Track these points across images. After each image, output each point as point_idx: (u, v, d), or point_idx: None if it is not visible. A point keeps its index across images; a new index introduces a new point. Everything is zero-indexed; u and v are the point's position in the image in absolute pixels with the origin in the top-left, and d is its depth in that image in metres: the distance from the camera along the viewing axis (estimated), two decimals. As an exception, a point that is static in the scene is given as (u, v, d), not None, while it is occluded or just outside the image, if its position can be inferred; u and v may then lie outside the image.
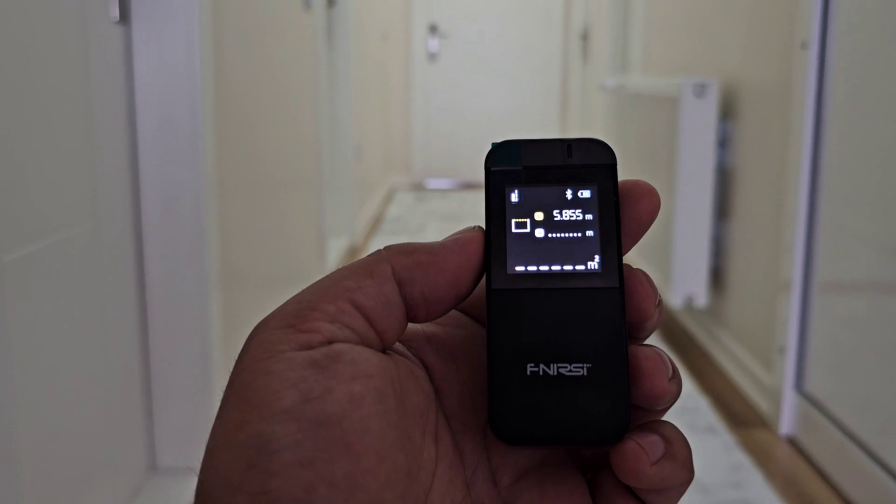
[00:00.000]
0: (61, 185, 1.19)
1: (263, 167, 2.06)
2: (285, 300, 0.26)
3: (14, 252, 1.05)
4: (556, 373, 0.26)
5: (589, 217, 0.27)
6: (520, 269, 0.27)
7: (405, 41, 5.79)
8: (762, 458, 1.82)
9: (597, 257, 0.27)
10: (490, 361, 0.26)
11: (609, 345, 0.26)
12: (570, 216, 0.27)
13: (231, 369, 0.25)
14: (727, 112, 2.41)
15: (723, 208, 2.45)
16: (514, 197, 0.27)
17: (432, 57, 5.83)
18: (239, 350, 0.26)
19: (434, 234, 4.15)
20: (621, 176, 0.27)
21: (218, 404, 0.25)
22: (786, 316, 1.93)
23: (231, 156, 1.73)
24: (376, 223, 4.48)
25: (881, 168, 1.61)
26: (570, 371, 0.26)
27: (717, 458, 1.78)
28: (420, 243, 0.27)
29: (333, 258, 3.21)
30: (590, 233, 0.27)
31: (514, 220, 0.27)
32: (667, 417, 0.28)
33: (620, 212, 0.27)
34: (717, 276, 2.49)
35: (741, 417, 2.04)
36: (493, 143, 0.28)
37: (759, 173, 2.18)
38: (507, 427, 0.25)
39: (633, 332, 0.28)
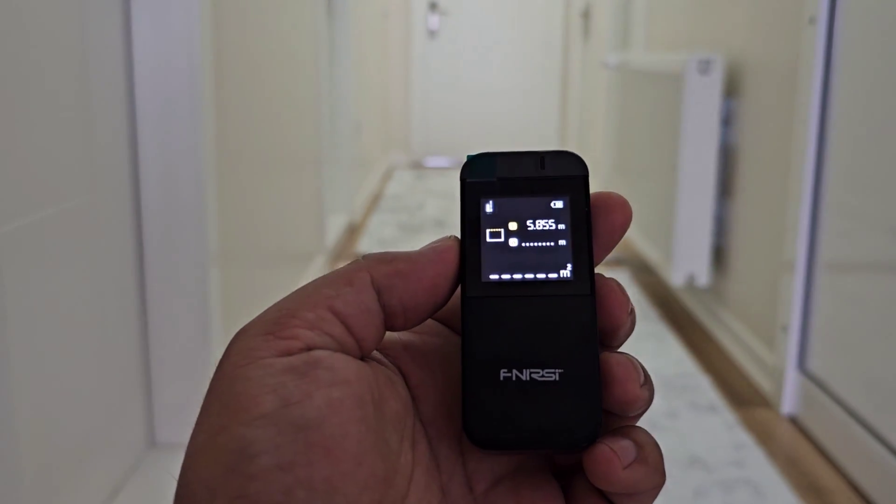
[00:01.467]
0: (58, 156, 1.17)
1: (263, 143, 2.04)
2: (269, 305, 0.26)
3: (10, 224, 1.04)
4: (528, 378, 0.26)
5: (561, 227, 0.28)
6: (494, 277, 0.27)
7: (405, 18, 5.74)
8: (764, 436, 1.82)
9: (569, 266, 0.28)
10: (464, 368, 0.26)
11: (581, 351, 0.27)
12: (543, 226, 0.28)
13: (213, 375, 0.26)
14: (732, 89, 2.39)
15: (726, 187, 2.44)
16: (489, 207, 0.28)
17: (432, 34, 5.79)
18: (227, 339, 0.27)
19: (433, 211, 4.13)
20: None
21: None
22: (789, 295, 1.92)
23: (230, 131, 1.71)
24: (375, 201, 4.47)
25: (887, 147, 1.59)
26: (543, 376, 0.26)
27: (718, 437, 1.78)
28: (398, 252, 0.27)
29: (333, 235, 3.20)
30: (562, 242, 0.28)
31: (488, 230, 0.28)
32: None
33: (593, 223, 0.28)
34: (720, 255, 2.48)
35: (743, 396, 2.03)
36: (468, 156, 0.29)
37: (763, 152, 2.17)
38: (480, 432, 0.26)
39: (605, 339, 0.28)
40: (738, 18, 2.38)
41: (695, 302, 2.65)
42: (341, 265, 0.27)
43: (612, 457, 0.26)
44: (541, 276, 0.27)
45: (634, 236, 3.02)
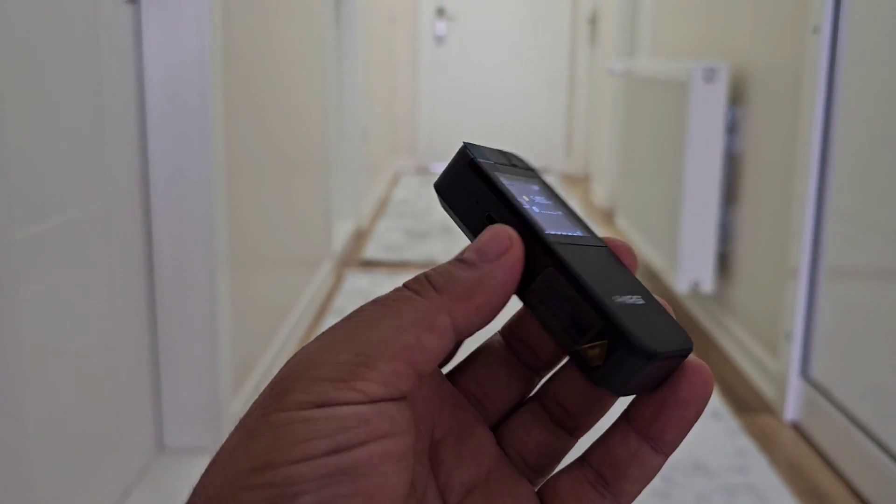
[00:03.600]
0: (71, 164, 1.19)
1: (272, 148, 2.06)
2: (335, 331, 0.25)
3: (26, 230, 1.05)
4: (631, 302, 0.27)
5: (551, 202, 0.31)
6: (551, 232, 0.28)
7: (412, 24, 5.77)
8: (767, 443, 1.83)
9: (578, 230, 0.30)
10: (597, 296, 0.26)
11: (636, 282, 0.29)
12: (542, 200, 0.30)
13: (266, 391, 0.25)
14: (737, 97, 2.40)
15: (730, 194, 2.45)
16: (504, 181, 0.29)
17: (439, 40, 5.81)
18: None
19: (440, 217, 4.15)
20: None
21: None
22: (793, 302, 1.93)
23: (240, 137, 1.73)
24: (382, 206, 4.48)
25: (891, 155, 1.60)
26: (635, 301, 0.28)
27: (721, 443, 1.79)
28: (469, 277, 0.26)
29: (340, 241, 3.21)
30: (560, 213, 0.31)
31: (522, 197, 0.29)
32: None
33: None
34: (724, 262, 2.49)
35: (746, 403, 2.04)
36: (464, 143, 0.30)
37: (767, 159, 2.18)
38: (652, 343, 0.26)
39: None
40: (743, 27, 2.39)
41: (699, 308, 2.66)
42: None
43: (705, 365, 0.26)
44: (572, 233, 0.29)
45: (639, 243, 3.03)
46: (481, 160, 0.29)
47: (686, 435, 0.27)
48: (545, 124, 5.93)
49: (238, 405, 1.70)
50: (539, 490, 0.29)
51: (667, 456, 0.28)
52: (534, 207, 0.29)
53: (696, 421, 0.27)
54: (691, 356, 0.27)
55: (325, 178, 2.89)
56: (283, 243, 2.25)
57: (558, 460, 0.30)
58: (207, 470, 0.24)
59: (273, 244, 2.12)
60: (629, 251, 0.30)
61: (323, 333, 0.26)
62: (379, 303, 0.26)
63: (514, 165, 0.31)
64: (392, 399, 0.24)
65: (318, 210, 2.76)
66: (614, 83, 4.08)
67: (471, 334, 0.26)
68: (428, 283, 0.26)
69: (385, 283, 2.93)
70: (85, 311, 1.24)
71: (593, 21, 5.31)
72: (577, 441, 0.30)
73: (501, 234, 0.27)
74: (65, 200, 1.17)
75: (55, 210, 1.14)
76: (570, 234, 0.29)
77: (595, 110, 5.19)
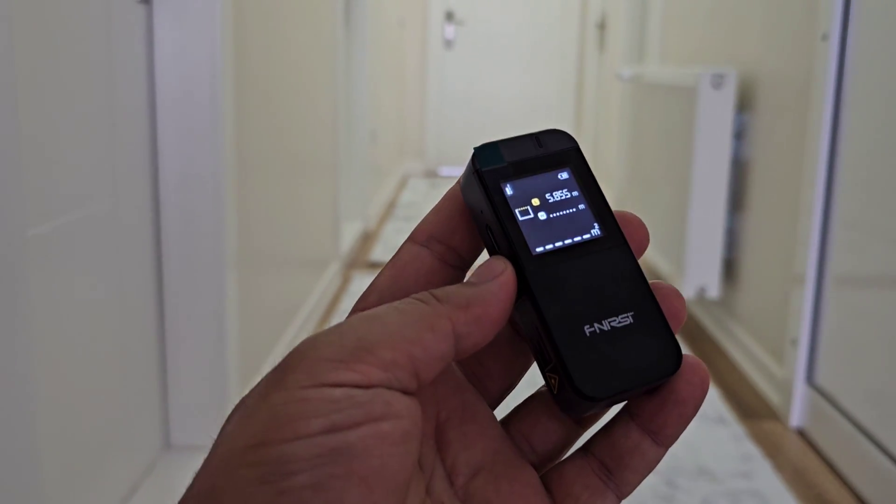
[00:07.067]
0: (82, 162, 1.20)
1: (281, 149, 2.07)
2: (343, 322, 0.27)
3: (37, 227, 1.06)
4: (609, 327, 0.28)
5: (575, 193, 0.30)
6: (540, 249, 0.29)
7: (421, 27, 5.78)
8: (771, 449, 1.83)
9: (596, 225, 0.30)
10: (551, 334, 0.28)
11: (638, 291, 0.29)
12: (561, 196, 0.30)
13: (269, 375, 0.25)
14: (744, 104, 2.40)
15: (737, 200, 2.45)
16: (510, 190, 0.30)
17: (448, 44, 5.82)
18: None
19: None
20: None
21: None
22: (799, 308, 1.93)
23: (249, 137, 1.74)
24: (389, 208, 4.49)
25: (899, 162, 1.60)
26: (620, 322, 0.28)
27: (726, 449, 1.79)
28: (468, 290, 0.27)
29: (347, 242, 3.22)
30: (581, 206, 0.30)
31: (517, 210, 0.29)
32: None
33: None
34: (731, 268, 2.49)
35: (751, 409, 2.04)
36: (474, 148, 0.30)
37: (775, 166, 2.18)
38: (592, 387, 0.27)
39: None
40: (752, 34, 2.39)
41: (705, 314, 2.66)
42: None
43: (702, 363, 0.28)
44: (577, 238, 0.29)
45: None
46: (487, 168, 0.30)
47: (685, 428, 0.28)
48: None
49: (244, 404, 1.71)
50: (544, 476, 0.30)
51: (667, 448, 0.29)
52: (539, 214, 0.29)
53: (694, 415, 0.28)
54: (688, 355, 0.28)
55: (333, 179, 2.90)
56: (291, 244, 2.26)
57: (564, 449, 0.31)
58: (210, 451, 0.25)
59: (281, 244, 2.13)
60: (639, 225, 0.30)
61: (332, 325, 0.26)
62: (387, 305, 0.27)
63: (541, 154, 0.31)
64: (390, 388, 0.25)
65: (325, 211, 2.77)
66: (622, 88, 4.08)
67: (472, 347, 0.27)
68: (431, 296, 0.27)
69: (391, 286, 2.93)
70: (94, 308, 1.25)
71: (602, 26, 5.32)
72: (584, 431, 0.31)
73: (496, 261, 0.29)
74: (75, 199, 1.18)
75: (65, 208, 1.15)
76: (575, 240, 0.29)
77: (603, 115, 5.19)
